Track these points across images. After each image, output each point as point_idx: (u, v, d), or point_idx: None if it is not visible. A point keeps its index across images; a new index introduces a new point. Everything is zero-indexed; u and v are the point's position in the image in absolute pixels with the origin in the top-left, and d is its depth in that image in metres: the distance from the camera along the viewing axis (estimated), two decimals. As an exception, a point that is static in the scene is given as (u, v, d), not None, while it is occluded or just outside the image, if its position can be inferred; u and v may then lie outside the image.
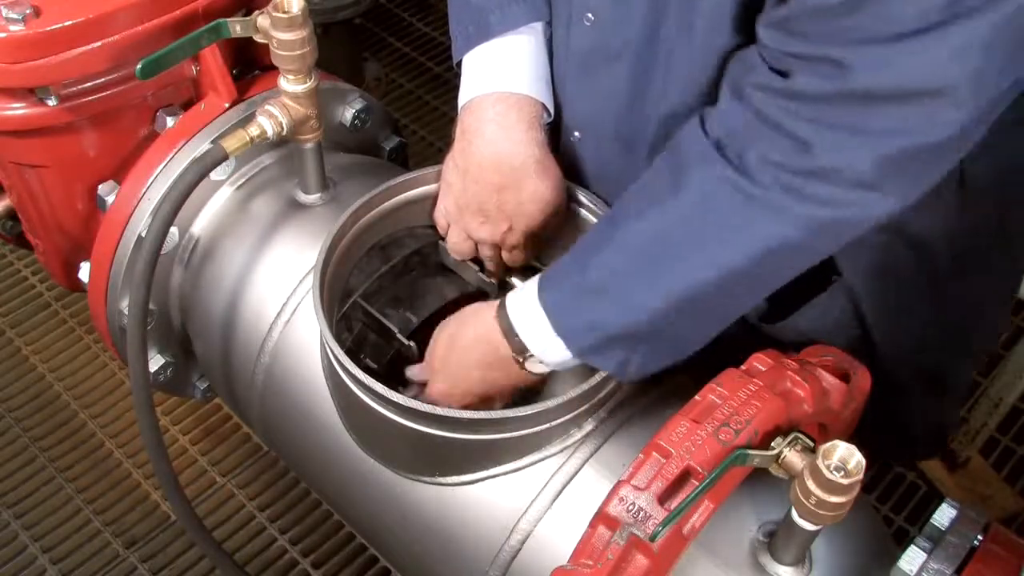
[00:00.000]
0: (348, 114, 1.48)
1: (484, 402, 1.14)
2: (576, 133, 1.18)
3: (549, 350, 1.03)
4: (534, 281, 1.04)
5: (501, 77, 1.13)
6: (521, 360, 1.06)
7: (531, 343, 1.04)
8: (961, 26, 0.77)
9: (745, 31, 0.95)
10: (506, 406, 1.15)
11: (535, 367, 1.06)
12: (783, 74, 0.87)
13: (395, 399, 1.05)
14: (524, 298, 1.04)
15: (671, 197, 0.93)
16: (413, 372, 1.21)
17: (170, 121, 1.39)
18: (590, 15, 1.06)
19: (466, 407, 1.13)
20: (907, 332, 1.21)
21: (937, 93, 0.81)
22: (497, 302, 1.08)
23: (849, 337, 1.16)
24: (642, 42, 1.03)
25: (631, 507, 0.86)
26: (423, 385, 1.18)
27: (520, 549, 1.10)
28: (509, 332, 1.05)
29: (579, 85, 1.13)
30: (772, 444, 0.89)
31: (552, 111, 1.16)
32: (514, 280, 1.26)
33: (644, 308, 0.96)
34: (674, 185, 0.93)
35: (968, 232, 1.12)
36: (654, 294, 0.95)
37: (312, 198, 1.38)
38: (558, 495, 1.10)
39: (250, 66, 1.46)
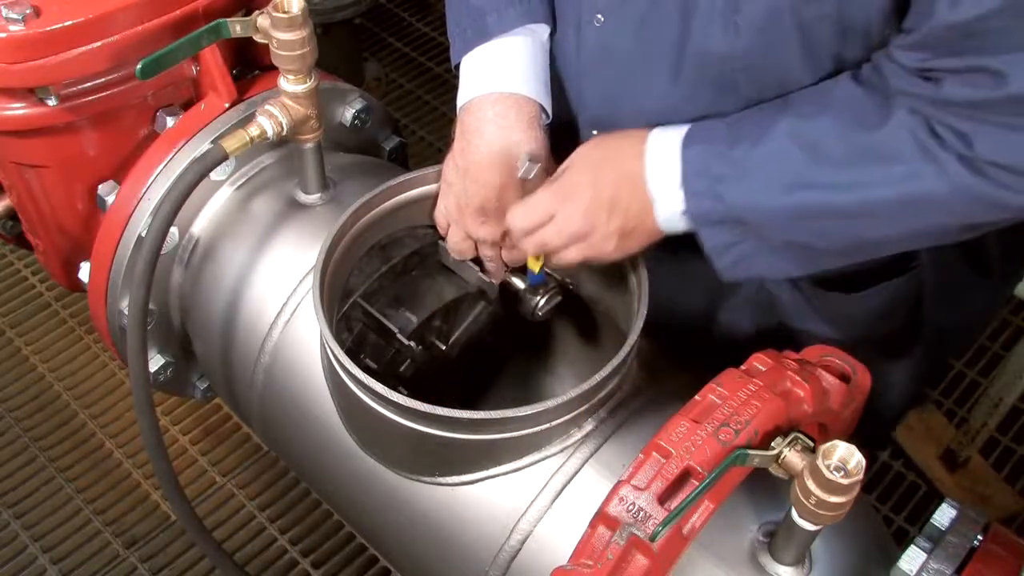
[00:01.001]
0: (348, 114, 1.48)
1: (594, 228, 1.06)
2: (594, 132, 1.18)
3: (666, 199, 1.02)
4: (683, 128, 1.02)
5: (499, 78, 1.13)
6: None
7: (655, 184, 1.02)
8: None
9: (793, 29, 0.94)
10: (514, 401, 1.13)
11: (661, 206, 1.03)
12: (928, 79, 0.88)
13: (395, 399, 1.05)
14: (667, 139, 1.02)
15: (850, 114, 0.93)
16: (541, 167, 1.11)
17: (170, 121, 1.39)
18: (600, 16, 1.06)
19: (580, 217, 1.06)
20: (951, 317, 1.23)
21: None
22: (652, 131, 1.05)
23: (900, 318, 1.18)
24: (656, 41, 1.03)
25: (631, 507, 0.86)
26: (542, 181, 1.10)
27: (520, 549, 1.10)
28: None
29: (592, 84, 1.14)
30: (772, 444, 0.89)
31: (550, 112, 1.16)
32: (514, 280, 1.25)
33: (772, 202, 0.96)
34: (858, 107, 0.93)
35: (1016, 229, 1.13)
36: (791, 192, 0.95)
37: (312, 198, 1.38)
38: (558, 495, 1.10)
39: (250, 66, 1.46)
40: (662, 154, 1.02)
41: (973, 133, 0.87)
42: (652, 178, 1.03)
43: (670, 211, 1.03)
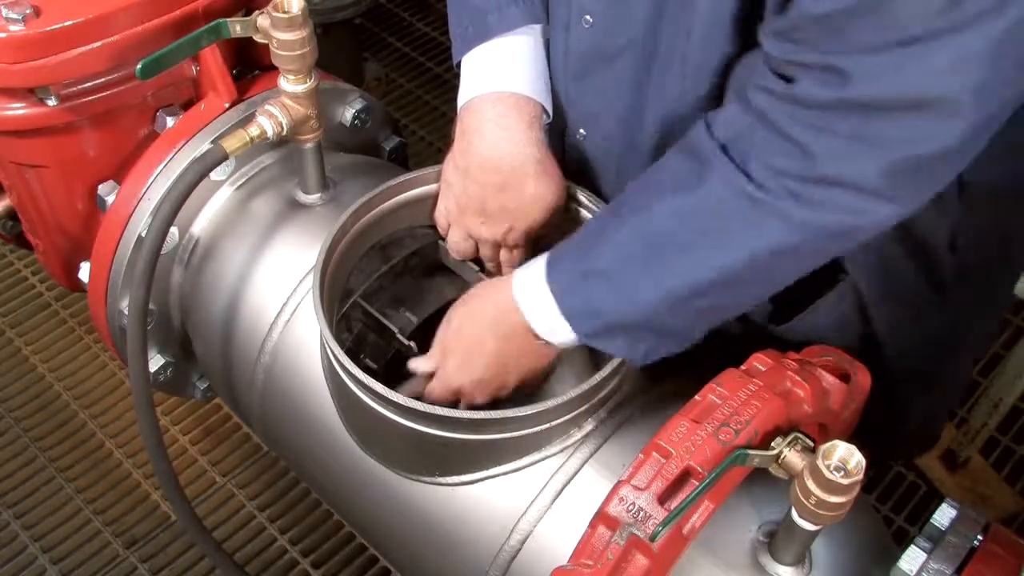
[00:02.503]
0: (348, 114, 1.48)
1: (499, 385, 1.13)
2: (581, 131, 1.19)
3: (555, 330, 1.04)
4: (541, 260, 1.04)
5: (500, 77, 1.13)
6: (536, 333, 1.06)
7: (536, 322, 1.04)
8: (965, 34, 0.76)
9: (744, 35, 0.95)
10: (514, 401, 1.14)
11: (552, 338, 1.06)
12: (787, 79, 0.87)
13: (395, 399, 1.05)
14: (531, 276, 1.04)
15: (678, 194, 0.94)
16: (418, 364, 1.17)
17: (170, 121, 1.39)
18: (588, 17, 1.07)
19: (479, 389, 1.12)
20: (910, 331, 1.21)
21: (938, 103, 0.80)
22: (512, 276, 1.08)
23: (853, 334, 1.17)
24: (641, 43, 1.03)
25: (631, 507, 0.86)
26: (428, 378, 1.16)
27: (520, 549, 1.10)
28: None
29: (580, 85, 1.14)
30: (772, 444, 0.89)
31: (551, 111, 1.16)
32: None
33: (645, 299, 0.97)
34: (682, 182, 0.94)
35: (971, 238, 1.12)
36: (656, 286, 0.96)
37: (312, 198, 1.38)
38: (558, 495, 1.10)
39: (250, 66, 1.46)
40: (532, 295, 1.04)
41: (815, 144, 0.85)
42: (534, 321, 1.04)
43: (565, 339, 1.04)
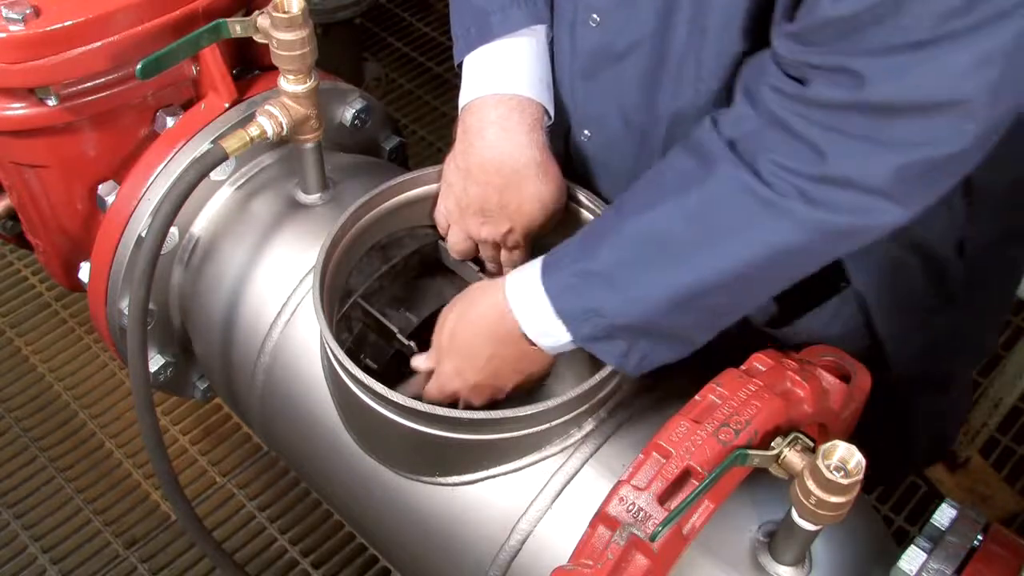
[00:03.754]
0: (348, 114, 1.48)
1: (495, 389, 1.12)
2: (586, 132, 1.18)
3: (549, 333, 1.02)
4: (536, 262, 1.03)
5: (502, 79, 1.13)
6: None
7: (529, 325, 1.03)
8: (982, 35, 0.76)
9: (757, 35, 0.94)
10: (514, 400, 1.13)
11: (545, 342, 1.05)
12: (799, 80, 0.86)
13: (395, 399, 1.05)
14: (525, 278, 1.03)
15: (682, 193, 0.93)
16: (419, 361, 1.17)
17: (170, 121, 1.39)
18: (595, 16, 1.06)
19: (475, 394, 1.12)
20: (917, 342, 1.21)
21: (953, 105, 0.80)
22: (505, 279, 1.07)
23: (858, 347, 1.16)
24: (650, 42, 1.03)
25: (631, 507, 0.86)
26: (428, 375, 1.16)
27: (520, 549, 1.10)
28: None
29: (586, 85, 1.13)
30: (772, 444, 0.89)
31: (552, 113, 1.16)
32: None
33: (646, 300, 0.96)
34: (687, 180, 0.93)
35: (977, 241, 1.12)
36: (657, 287, 0.95)
37: (312, 198, 1.38)
38: (558, 495, 1.10)
39: (250, 66, 1.46)
40: (526, 297, 1.03)
41: (827, 144, 0.84)
42: (527, 324, 1.03)
43: (557, 343, 1.03)
